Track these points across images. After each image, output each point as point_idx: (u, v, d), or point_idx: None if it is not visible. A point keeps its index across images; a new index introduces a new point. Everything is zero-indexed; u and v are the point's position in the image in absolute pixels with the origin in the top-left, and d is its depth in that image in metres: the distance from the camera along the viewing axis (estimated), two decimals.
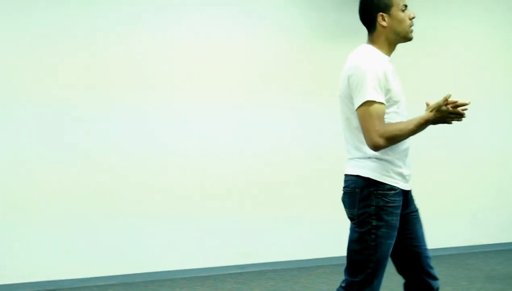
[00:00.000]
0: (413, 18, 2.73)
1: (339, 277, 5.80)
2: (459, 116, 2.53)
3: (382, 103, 2.55)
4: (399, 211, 2.65)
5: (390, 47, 2.75)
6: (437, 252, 5.91)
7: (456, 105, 2.52)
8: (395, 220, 2.63)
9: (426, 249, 2.79)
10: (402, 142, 2.66)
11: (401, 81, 2.74)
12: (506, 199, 6.94)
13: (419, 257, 2.76)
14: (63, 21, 5.13)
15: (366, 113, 2.54)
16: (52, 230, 5.06)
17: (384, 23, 2.70)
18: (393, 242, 2.66)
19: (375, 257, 2.62)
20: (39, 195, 5.04)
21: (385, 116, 2.59)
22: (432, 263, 2.78)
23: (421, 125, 2.57)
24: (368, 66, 2.57)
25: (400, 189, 2.65)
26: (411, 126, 2.56)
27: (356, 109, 2.59)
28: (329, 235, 5.83)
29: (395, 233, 2.65)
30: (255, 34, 5.81)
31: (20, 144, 4.99)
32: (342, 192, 2.78)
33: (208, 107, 5.59)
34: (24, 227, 4.98)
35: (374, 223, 2.60)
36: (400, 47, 2.79)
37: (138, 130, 5.35)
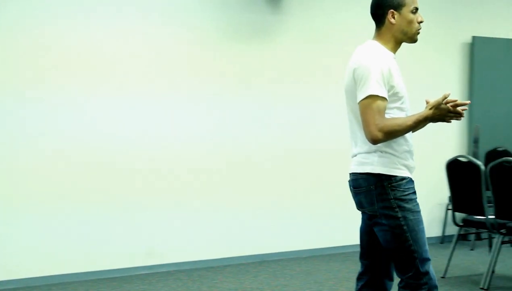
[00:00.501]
0: (421, 22, 2.84)
1: (246, 276, 5.86)
2: (458, 115, 2.65)
3: (384, 98, 2.65)
4: (416, 196, 2.76)
5: (395, 45, 2.84)
6: (331, 251, 6.20)
7: (455, 104, 2.63)
8: (416, 205, 2.74)
9: None
10: (406, 142, 2.76)
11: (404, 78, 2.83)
12: None
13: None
14: None
15: (367, 107, 2.63)
16: None
17: (393, 20, 2.79)
18: (423, 225, 2.75)
19: (416, 246, 2.71)
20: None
21: (388, 111, 2.69)
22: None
23: (419, 122, 2.68)
24: (373, 62, 2.67)
25: (410, 177, 2.76)
26: (409, 122, 2.67)
27: (358, 103, 2.68)
28: (236, 234, 5.86)
29: (421, 217, 2.76)
30: (165, 33, 5.75)
31: None
32: (354, 194, 2.83)
33: (115, 104, 5.50)
34: None
35: (400, 214, 2.69)
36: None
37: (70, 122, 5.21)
